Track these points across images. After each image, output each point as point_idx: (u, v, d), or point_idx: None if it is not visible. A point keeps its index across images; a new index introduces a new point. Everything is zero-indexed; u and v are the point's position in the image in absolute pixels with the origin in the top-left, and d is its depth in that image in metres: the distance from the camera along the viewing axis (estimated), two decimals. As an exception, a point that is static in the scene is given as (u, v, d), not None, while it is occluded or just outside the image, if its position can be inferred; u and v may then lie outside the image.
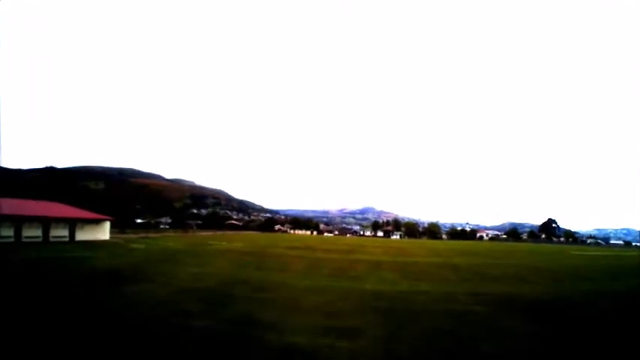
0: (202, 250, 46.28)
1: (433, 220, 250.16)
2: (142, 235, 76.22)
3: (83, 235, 55.26)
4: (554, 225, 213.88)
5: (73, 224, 54.71)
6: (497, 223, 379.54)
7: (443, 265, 37.74)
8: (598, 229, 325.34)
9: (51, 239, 51.11)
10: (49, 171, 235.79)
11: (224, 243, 63.20)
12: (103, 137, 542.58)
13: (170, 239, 69.29)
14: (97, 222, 58.64)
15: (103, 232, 58.45)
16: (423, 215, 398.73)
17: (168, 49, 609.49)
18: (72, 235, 54.32)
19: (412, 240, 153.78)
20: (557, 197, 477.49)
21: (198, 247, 51.58)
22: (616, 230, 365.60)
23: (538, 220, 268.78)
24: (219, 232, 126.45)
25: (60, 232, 52.90)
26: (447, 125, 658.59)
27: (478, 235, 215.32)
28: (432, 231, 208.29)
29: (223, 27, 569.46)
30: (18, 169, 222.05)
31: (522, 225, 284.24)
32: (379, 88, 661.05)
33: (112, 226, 59.30)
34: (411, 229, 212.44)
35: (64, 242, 51.13)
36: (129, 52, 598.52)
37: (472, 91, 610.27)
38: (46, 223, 51.07)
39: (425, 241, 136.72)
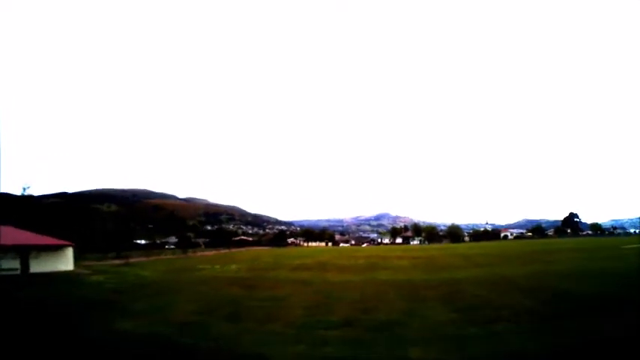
0: (178, 281, 36.42)
1: (450, 222, 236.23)
2: (124, 261, 65.38)
3: (40, 266, 44.50)
4: (576, 219, 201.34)
5: (25, 253, 43.98)
6: (514, 220, 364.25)
7: (498, 282, 26.75)
8: (614, 220, 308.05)
9: (-2, 273, 40.57)
10: (62, 196, 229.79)
11: (217, 267, 52.69)
12: (116, 161, 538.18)
13: (155, 264, 59.29)
14: (56, 249, 47.76)
15: (65, 262, 47.65)
16: (439, 218, 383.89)
17: (179, 69, 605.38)
18: (24, 267, 43.62)
19: (435, 245, 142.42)
20: (568, 191, 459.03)
21: (177, 275, 41.70)
22: (631, 219, 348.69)
23: (554, 215, 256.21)
24: (223, 251, 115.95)
25: (8, 264, 42.18)
26: (454, 125, 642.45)
27: (502, 234, 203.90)
28: (455, 234, 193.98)
29: (235, 42, 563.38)
30: (29, 195, 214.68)
31: (538, 221, 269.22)
32: (389, 93, 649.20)
33: (107, 250, 48.76)
34: (431, 234, 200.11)
35: (15, 276, 40.88)
36: (140, 76, 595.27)
37: (483, 91, 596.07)
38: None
39: (449, 246, 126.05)
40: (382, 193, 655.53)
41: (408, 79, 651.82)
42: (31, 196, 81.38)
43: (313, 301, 21.68)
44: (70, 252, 48.93)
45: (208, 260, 67.18)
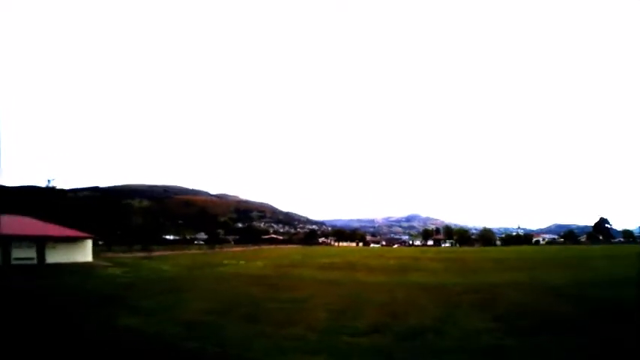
0: (197, 276, 33.73)
1: (481, 225, 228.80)
2: (147, 254, 63.31)
3: (56, 256, 42.36)
4: (607, 225, 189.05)
5: (41, 243, 41.86)
6: (545, 225, 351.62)
7: (537, 288, 23.85)
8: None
9: (13, 262, 38.81)
10: (94, 190, 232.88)
11: (242, 262, 50.07)
12: (148, 156, 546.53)
13: (178, 259, 56.62)
14: (74, 240, 45.52)
15: (83, 253, 45.42)
16: (470, 221, 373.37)
17: (207, 68, 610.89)
18: (41, 257, 41.44)
19: (466, 248, 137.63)
20: (598, 196, 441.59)
21: (198, 271, 39.07)
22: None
23: (584, 221, 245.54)
24: (252, 247, 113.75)
25: (24, 254, 40.11)
26: (488, 129, 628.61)
27: (534, 239, 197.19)
28: (486, 237, 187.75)
29: (257, 43, 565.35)
30: (60, 189, 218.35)
31: (569, 226, 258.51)
32: (423, 95, 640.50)
33: (132, 244, 46.56)
34: (463, 237, 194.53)
35: (31, 266, 39.10)
36: (175, 72, 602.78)
37: (517, 97, 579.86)
38: (6, 241, 38.44)
39: (481, 249, 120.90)
40: (414, 194, 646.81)
41: (440, 83, 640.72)
42: (54, 188, 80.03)
43: (339, 303, 19.17)
44: (89, 244, 46.86)
45: (235, 256, 64.42)
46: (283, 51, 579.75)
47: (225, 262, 50.83)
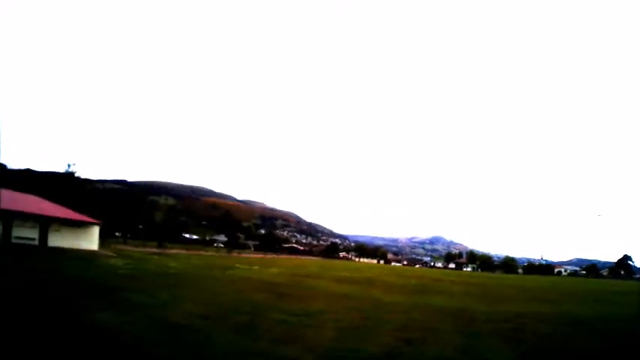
0: (202, 276, 31.42)
1: (502, 253, 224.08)
2: (160, 250, 61.04)
3: (59, 240, 39.72)
4: (629, 262, 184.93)
5: (45, 224, 39.25)
6: (567, 258, 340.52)
7: (565, 320, 20.05)
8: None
9: (13, 241, 36.36)
10: (121, 183, 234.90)
11: (255, 268, 46.61)
12: (179, 155, 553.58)
13: (190, 258, 53.77)
14: (80, 225, 42.79)
15: (89, 240, 42.70)
16: (492, 248, 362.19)
17: (245, 76, 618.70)
18: (43, 238, 38.90)
19: (488, 274, 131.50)
20: (621, 233, 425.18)
21: (207, 271, 36.45)
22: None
23: (605, 257, 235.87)
24: (271, 255, 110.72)
25: (26, 233, 37.63)
26: (516, 160, 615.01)
27: (556, 270, 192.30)
28: (509, 265, 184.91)
29: (286, 55, 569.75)
30: (87, 179, 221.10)
31: (591, 261, 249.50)
32: (450, 117, 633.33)
33: (152, 239, 43.75)
34: (485, 263, 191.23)
35: (31, 247, 36.75)
36: (211, 80, 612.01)
37: (541, 123, 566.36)
38: (7, 218, 35.97)
39: (503, 276, 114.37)
40: (440, 217, 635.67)
41: (465, 107, 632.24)
42: (73, 175, 77.16)
43: (351, 321, 16.16)
44: (95, 230, 44.12)
45: (250, 262, 61.16)
46: (312, 65, 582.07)
47: (238, 265, 47.70)
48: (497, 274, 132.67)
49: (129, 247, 57.89)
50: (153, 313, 14.34)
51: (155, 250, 61.49)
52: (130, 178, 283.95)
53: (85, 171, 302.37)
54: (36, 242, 38.32)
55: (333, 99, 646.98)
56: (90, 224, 43.67)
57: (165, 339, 10.91)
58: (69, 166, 77.65)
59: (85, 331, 10.95)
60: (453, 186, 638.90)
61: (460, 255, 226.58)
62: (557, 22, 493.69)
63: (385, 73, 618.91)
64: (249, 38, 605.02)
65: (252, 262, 58.11)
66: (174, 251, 64.75)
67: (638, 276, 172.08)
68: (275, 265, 55.86)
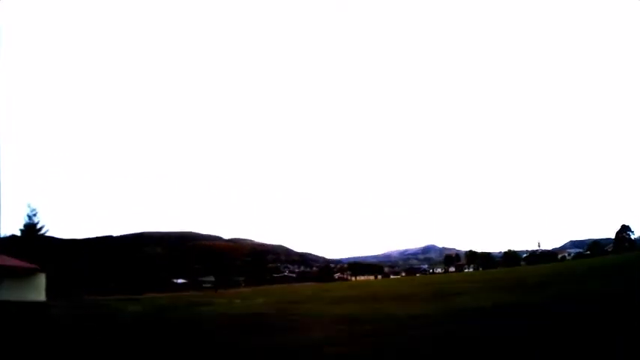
0: (161, 319, 25.48)
1: (496, 249, 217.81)
2: (129, 296, 55.51)
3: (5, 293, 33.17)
4: (629, 232, 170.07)
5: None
6: (560, 244, 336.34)
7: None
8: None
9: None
10: (107, 239, 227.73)
11: (237, 301, 40.79)
12: (162, 205, 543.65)
13: (162, 299, 47.78)
14: (24, 274, 36.30)
15: (36, 291, 36.14)
16: (486, 247, 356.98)
17: (220, 114, 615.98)
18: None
19: (492, 270, 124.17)
20: (610, 206, 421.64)
21: (173, 312, 30.53)
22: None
23: (599, 233, 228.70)
24: (263, 287, 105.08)
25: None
26: (494, 152, 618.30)
27: (559, 255, 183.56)
28: (511, 258, 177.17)
29: (272, 79, 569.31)
30: (72, 239, 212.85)
31: (584, 241, 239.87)
32: (425, 125, 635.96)
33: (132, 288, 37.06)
34: (485, 260, 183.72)
35: None
36: (183, 122, 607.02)
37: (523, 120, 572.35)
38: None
39: (511, 270, 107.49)
40: (428, 225, 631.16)
41: (451, 118, 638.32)
42: (34, 227, 66.69)
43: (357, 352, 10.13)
44: (41, 279, 37.54)
45: (236, 295, 55.17)
46: (295, 91, 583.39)
47: (217, 300, 41.63)
48: (500, 269, 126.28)
49: (99, 297, 52.07)
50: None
51: (127, 296, 55.74)
52: (116, 233, 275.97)
53: (68, 231, 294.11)
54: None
55: (305, 121, 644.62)
56: (34, 272, 37.06)
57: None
58: (29, 217, 66.79)
59: None
60: (439, 191, 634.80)
61: (458, 257, 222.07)
62: (553, 23, 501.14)
63: (363, 91, 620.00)
64: (228, 77, 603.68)
65: (237, 296, 52.01)
66: (150, 295, 59.19)
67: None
68: (262, 295, 49.74)
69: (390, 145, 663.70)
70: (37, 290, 36.49)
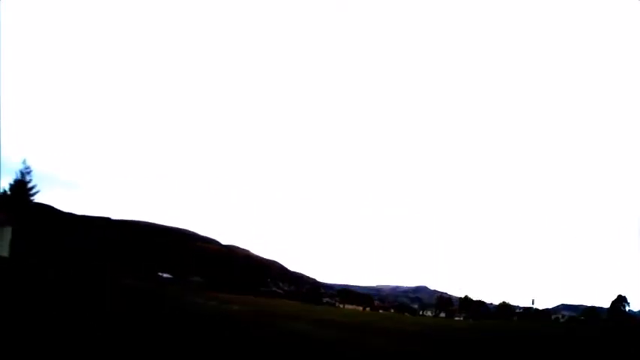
0: None
1: (494, 299, 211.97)
2: None
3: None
4: (624, 304, 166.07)
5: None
6: (552, 305, 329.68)
7: None
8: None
9: None
10: (105, 220, 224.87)
11: (212, 303, 36.99)
12: (164, 198, 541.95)
13: None
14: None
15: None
16: (478, 296, 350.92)
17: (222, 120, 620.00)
18: None
19: (487, 321, 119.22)
20: (609, 276, 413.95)
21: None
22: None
23: (592, 301, 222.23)
24: (247, 296, 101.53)
25: None
26: (499, 205, 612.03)
27: (553, 317, 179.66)
28: (505, 311, 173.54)
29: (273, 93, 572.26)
30: (71, 212, 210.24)
31: (577, 307, 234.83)
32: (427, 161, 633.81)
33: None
34: (478, 310, 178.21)
35: None
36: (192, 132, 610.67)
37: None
38: None
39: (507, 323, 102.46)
40: (423, 265, 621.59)
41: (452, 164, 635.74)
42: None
43: None
44: (6, 233, 33.82)
45: (216, 298, 51.17)
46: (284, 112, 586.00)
47: (192, 299, 38.11)
48: (499, 321, 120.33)
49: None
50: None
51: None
52: (115, 216, 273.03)
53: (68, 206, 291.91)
54: None
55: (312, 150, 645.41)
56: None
57: None
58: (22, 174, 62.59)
59: None
60: (437, 234, 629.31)
61: (451, 302, 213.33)
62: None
63: (348, 117, 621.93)
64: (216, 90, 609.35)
65: (213, 299, 48.04)
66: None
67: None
68: (241, 303, 45.62)
69: (395, 179, 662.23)
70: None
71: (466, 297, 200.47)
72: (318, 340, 17.01)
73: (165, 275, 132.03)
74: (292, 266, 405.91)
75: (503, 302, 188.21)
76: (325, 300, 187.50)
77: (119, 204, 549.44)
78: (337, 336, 20.55)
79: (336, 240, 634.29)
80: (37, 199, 68.07)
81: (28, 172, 62.18)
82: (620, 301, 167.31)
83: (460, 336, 31.97)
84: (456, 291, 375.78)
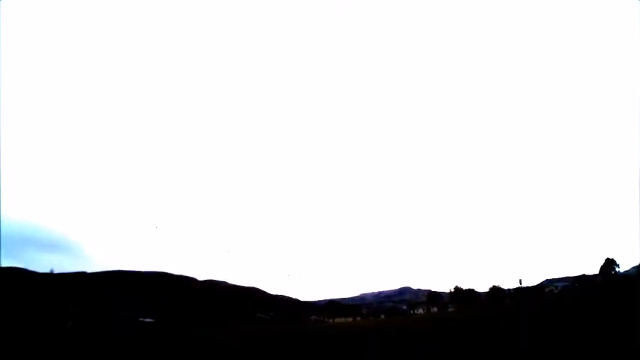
0: None
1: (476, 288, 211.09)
2: None
3: None
4: (615, 266, 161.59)
5: None
6: (537, 282, 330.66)
7: None
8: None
9: None
10: (80, 275, 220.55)
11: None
12: (136, 243, 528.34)
13: None
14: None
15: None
16: (464, 285, 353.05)
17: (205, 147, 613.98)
18: None
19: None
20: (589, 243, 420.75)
21: None
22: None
23: (572, 271, 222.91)
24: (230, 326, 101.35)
25: None
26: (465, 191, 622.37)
27: (547, 289, 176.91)
28: (497, 293, 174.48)
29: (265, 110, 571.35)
30: (45, 273, 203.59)
31: (560, 279, 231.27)
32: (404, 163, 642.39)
33: None
34: (470, 298, 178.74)
35: None
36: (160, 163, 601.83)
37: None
38: None
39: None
40: (403, 267, 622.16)
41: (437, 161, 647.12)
42: None
43: None
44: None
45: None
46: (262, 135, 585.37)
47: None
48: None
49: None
50: None
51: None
52: (90, 270, 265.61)
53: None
54: None
55: (289, 163, 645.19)
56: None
57: None
58: None
59: None
60: (413, 233, 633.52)
61: (441, 296, 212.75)
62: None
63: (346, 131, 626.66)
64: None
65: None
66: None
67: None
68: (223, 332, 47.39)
69: (363, 186, 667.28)
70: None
71: (457, 288, 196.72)
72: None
73: (147, 320, 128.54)
74: (271, 289, 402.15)
75: (494, 286, 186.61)
76: (312, 318, 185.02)
77: (92, 256, 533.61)
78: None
79: (312, 256, 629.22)
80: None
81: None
82: (610, 264, 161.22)
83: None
84: (441, 285, 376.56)
